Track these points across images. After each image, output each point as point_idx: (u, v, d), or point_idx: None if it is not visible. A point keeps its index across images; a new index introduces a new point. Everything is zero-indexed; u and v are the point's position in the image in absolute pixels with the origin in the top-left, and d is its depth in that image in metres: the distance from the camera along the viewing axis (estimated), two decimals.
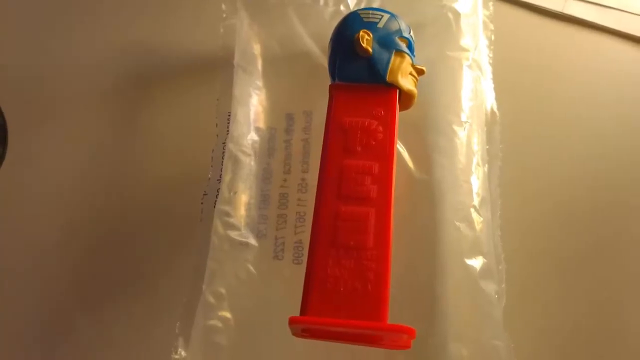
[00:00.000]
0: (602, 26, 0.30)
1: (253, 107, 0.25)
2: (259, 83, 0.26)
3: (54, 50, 0.30)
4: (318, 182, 0.20)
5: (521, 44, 0.29)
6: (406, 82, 0.21)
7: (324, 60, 0.25)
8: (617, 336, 0.24)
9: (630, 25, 0.29)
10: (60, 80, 0.29)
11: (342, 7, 0.26)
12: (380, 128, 0.20)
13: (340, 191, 0.19)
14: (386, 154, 0.20)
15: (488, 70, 0.25)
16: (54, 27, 0.30)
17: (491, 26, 0.26)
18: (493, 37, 0.26)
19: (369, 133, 0.20)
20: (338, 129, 0.21)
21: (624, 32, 0.29)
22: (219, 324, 0.21)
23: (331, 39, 0.23)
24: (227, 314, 0.21)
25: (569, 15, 0.30)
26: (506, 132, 0.25)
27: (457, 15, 0.25)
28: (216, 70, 0.26)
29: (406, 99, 0.22)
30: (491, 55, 0.26)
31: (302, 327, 0.18)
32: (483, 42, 0.26)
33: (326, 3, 0.26)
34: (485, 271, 0.21)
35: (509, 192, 0.24)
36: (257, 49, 0.26)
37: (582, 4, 0.30)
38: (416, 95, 0.22)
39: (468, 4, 0.26)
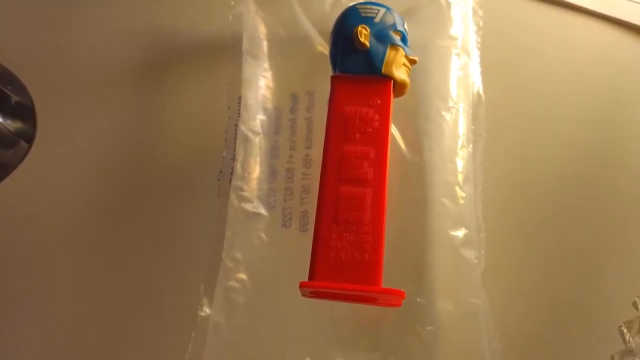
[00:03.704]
0: (588, 9, 0.31)
1: (261, 89, 0.27)
2: (266, 65, 0.27)
3: (77, 35, 0.31)
4: (322, 166, 0.22)
5: (507, 25, 0.31)
6: (400, 73, 0.24)
7: (324, 45, 0.27)
8: (588, 296, 0.26)
9: (615, 8, 0.31)
10: (82, 63, 0.31)
11: None
12: (376, 116, 0.23)
13: (341, 174, 0.22)
14: (381, 140, 0.22)
15: (476, 54, 0.27)
16: (76, 13, 0.32)
17: (480, 12, 0.28)
18: (481, 23, 0.28)
19: (366, 121, 0.23)
20: (339, 117, 0.23)
21: (610, 15, 0.31)
22: (237, 285, 0.24)
23: (332, 33, 0.25)
24: (244, 276, 0.24)
25: None
26: (491, 111, 0.27)
27: (448, 4, 0.27)
28: (228, 54, 0.28)
29: (400, 88, 0.24)
30: (479, 40, 0.28)
31: (310, 290, 0.21)
32: (472, 28, 0.27)
33: None
34: (467, 240, 0.23)
35: (491, 166, 0.26)
36: (263, 32, 0.28)
37: None
38: (409, 84, 0.24)
39: None
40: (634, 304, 0.21)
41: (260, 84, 0.27)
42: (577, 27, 0.31)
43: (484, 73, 0.27)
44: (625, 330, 0.20)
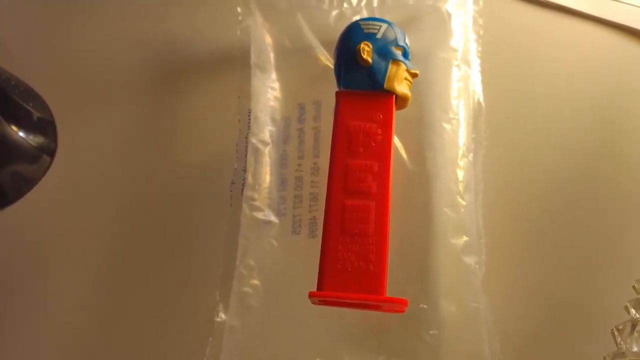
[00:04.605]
0: (586, 14, 0.31)
1: (269, 101, 0.28)
2: (273, 77, 0.28)
3: (92, 48, 0.32)
4: (328, 179, 0.23)
5: (507, 31, 0.31)
6: (402, 87, 0.24)
7: (328, 57, 0.28)
8: (587, 298, 0.27)
9: (612, 12, 0.31)
10: (98, 75, 0.32)
11: (345, 5, 0.29)
12: (379, 131, 0.24)
13: (346, 187, 0.23)
14: (384, 154, 0.23)
15: (476, 63, 0.28)
16: (91, 27, 0.33)
17: (480, 21, 0.29)
18: (482, 32, 0.29)
19: (369, 135, 0.24)
20: (343, 132, 0.24)
21: (607, 19, 0.31)
22: (250, 290, 0.25)
23: (336, 49, 0.26)
24: (257, 282, 0.25)
25: (554, 3, 0.31)
26: (490, 115, 0.28)
27: (449, 15, 0.27)
28: (237, 65, 0.29)
29: (402, 101, 0.25)
30: (479, 49, 0.28)
31: (319, 299, 0.22)
32: (472, 37, 0.28)
33: (331, 4, 0.29)
34: (467, 247, 0.24)
35: (491, 169, 0.27)
36: (269, 44, 0.29)
37: None
38: (410, 97, 0.25)
39: (459, 3, 0.28)
40: (626, 308, 0.22)
41: (269, 96, 0.28)
42: (577, 32, 0.31)
43: (484, 78, 0.28)
44: (616, 334, 0.21)
